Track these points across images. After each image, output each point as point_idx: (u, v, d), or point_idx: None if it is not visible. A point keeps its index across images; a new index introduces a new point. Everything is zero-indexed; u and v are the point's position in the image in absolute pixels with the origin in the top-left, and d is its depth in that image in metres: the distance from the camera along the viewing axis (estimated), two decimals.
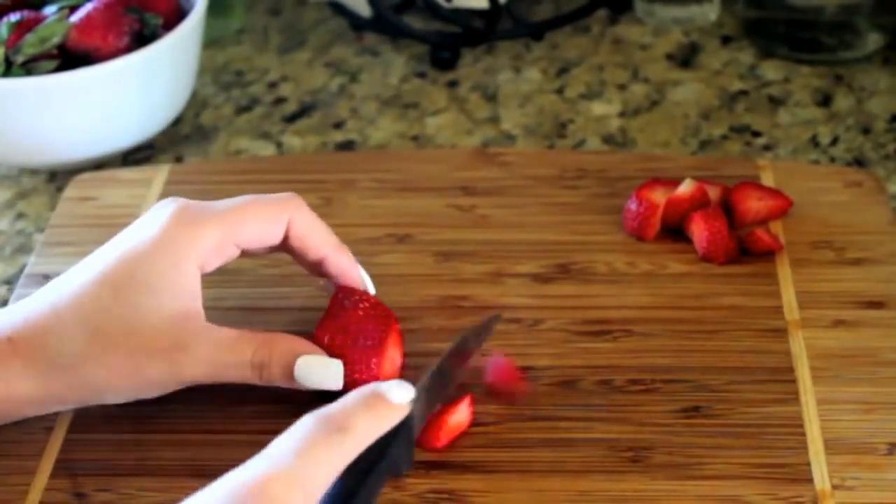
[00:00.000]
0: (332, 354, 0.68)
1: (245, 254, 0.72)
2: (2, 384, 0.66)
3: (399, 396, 0.60)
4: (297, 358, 0.67)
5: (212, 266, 0.69)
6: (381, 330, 0.69)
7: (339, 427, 0.57)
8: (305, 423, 0.57)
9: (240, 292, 0.78)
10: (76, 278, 0.67)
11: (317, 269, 0.73)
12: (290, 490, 0.54)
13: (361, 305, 0.70)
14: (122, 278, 0.66)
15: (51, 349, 0.66)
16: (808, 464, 0.66)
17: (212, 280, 0.75)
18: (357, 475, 0.58)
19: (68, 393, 0.67)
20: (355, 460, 0.58)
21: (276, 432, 0.68)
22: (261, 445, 0.66)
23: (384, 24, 1.06)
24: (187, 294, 0.67)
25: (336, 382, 0.67)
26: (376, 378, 0.68)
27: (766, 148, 0.95)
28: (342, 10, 1.08)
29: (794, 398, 0.70)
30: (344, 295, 0.71)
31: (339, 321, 0.69)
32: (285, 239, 0.71)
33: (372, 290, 0.73)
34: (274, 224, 0.70)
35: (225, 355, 0.67)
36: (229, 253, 0.70)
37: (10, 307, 0.68)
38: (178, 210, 0.68)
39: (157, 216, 0.68)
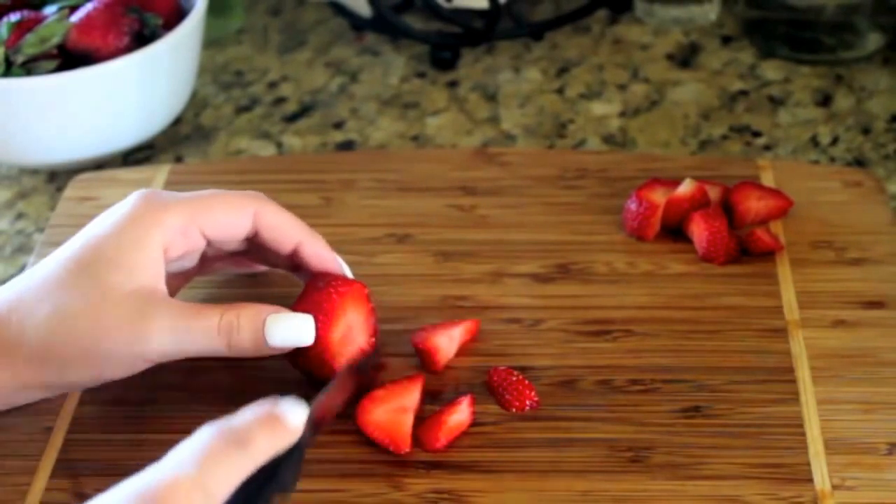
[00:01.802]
0: None
1: (215, 258, 0.73)
2: None
3: (294, 419, 0.59)
4: (265, 318, 0.67)
5: (177, 251, 0.69)
6: (342, 298, 0.69)
7: (238, 440, 0.57)
8: (206, 434, 0.57)
9: (237, 293, 0.78)
10: (41, 266, 0.68)
11: (292, 261, 0.72)
12: (191, 496, 0.54)
13: (333, 282, 0.70)
14: (84, 258, 0.67)
15: (12, 331, 0.66)
16: (808, 464, 0.66)
17: (204, 281, 0.75)
18: (248, 493, 0.57)
19: (31, 375, 0.67)
20: (247, 479, 0.57)
21: None
22: None
23: (384, 24, 1.06)
24: (150, 272, 0.67)
25: (308, 337, 0.67)
26: (324, 340, 0.68)
27: (766, 148, 0.95)
28: (342, 10, 1.08)
29: (794, 398, 0.70)
30: (318, 278, 0.71)
31: (309, 300, 0.69)
32: (257, 235, 0.71)
33: (349, 275, 0.73)
34: (240, 213, 0.70)
35: (190, 320, 0.66)
36: (194, 239, 0.70)
37: None
38: (145, 195, 0.69)
39: (123, 203, 0.69)
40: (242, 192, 0.71)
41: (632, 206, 0.81)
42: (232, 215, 0.70)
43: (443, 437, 0.68)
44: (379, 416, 0.68)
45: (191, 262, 0.73)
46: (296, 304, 0.70)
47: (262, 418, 0.58)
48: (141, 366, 0.67)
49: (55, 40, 0.89)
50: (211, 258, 0.75)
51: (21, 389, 0.68)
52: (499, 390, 0.70)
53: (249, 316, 0.67)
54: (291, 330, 0.67)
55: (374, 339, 0.71)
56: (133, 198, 0.69)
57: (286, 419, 0.59)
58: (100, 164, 0.95)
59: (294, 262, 0.73)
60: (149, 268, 0.67)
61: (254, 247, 0.73)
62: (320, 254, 0.72)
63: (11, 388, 0.67)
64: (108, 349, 0.66)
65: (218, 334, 0.66)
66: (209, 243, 0.71)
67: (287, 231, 0.71)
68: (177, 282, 0.74)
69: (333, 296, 0.69)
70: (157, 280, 0.67)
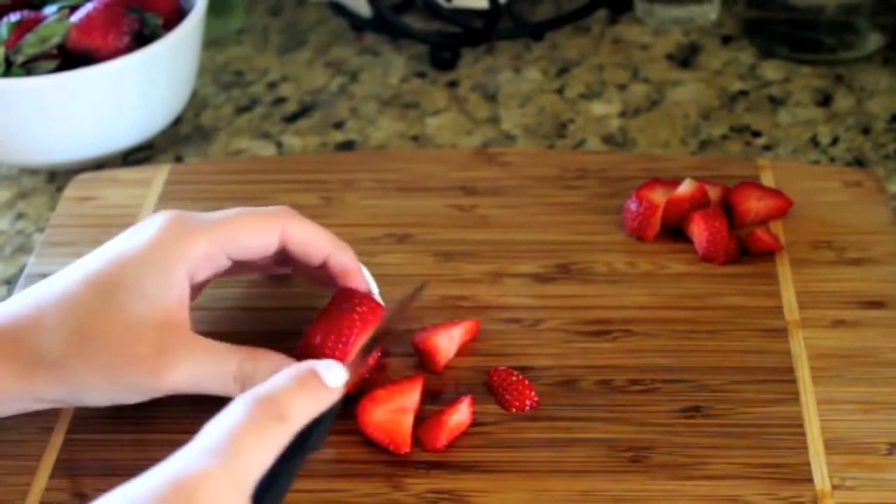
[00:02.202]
0: (319, 353, 0.68)
1: (242, 266, 0.72)
2: None
3: (334, 380, 0.60)
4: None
5: (202, 276, 0.69)
6: (364, 325, 0.69)
7: (277, 415, 0.56)
8: (240, 409, 0.56)
9: (240, 292, 0.78)
10: (63, 278, 0.67)
11: (319, 274, 0.72)
12: (224, 490, 0.53)
13: (358, 307, 0.70)
14: (109, 281, 0.66)
15: (31, 344, 0.65)
16: (808, 464, 0.66)
17: (231, 280, 0.75)
18: (281, 458, 0.56)
19: (47, 391, 0.66)
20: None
21: None
22: None
23: (384, 24, 1.06)
24: (174, 302, 0.66)
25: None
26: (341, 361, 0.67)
27: (766, 148, 0.95)
28: (342, 10, 1.08)
29: (794, 398, 0.70)
30: (343, 296, 0.70)
31: (331, 319, 0.69)
32: (285, 249, 0.71)
33: (375, 290, 0.73)
34: (266, 235, 0.70)
35: (207, 366, 0.66)
36: (220, 264, 0.69)
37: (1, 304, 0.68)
38: (170, 219, 0.68)
39: (149, 224, 0.68)
40: (269, 210, 0.70)
41: (632, 206, 0.81)
42: (259, 237, 0.69)
43: (443, 437, 0.68)
44: (379, 416, 0.68)
45: (215, 277, 0.72)
46: (318, 319, 0.70)
47: (300, 381, 0.58)
48: (151, 395, 0.67)
49: (55, 40, 0.89)
50: (237, 266, 0.74)
51: (34, 401, 0.67)
52: (499, 390, 0.70)
53: (267, 368, 0.66)
54: None
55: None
56: (160, 221, 0.68)
57: (326, 379, 0.59)
58: (100, 164, 0.95)
59: (321, 275, 0.72)
60: (173, 297, 0.66)
61: (282, 258, 0.73)
62: (348, 267, 0.71)
63: (27, 399, 0.67)
64: (125, 378, 0.65)
65: (234, 382, 0.66)
66: (235, 263, 0.71)
67: (316, 244, 0.71)
68: (201, 287, 0.73)
69: (357, 321, 0.69)
70: (180, 308, 0.67)
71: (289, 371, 0.59)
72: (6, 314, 0.67)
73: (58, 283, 0.67)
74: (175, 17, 0.95)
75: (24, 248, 0.88)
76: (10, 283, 0.85)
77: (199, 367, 0.66)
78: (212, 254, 0.68)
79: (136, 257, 0.66)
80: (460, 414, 0.69)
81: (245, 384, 0.66)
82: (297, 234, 0.70)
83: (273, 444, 0.56)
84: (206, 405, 0.70)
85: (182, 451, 0.55)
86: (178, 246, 0.67)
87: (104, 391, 0.66)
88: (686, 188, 0.81)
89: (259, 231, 0.69)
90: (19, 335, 0.66)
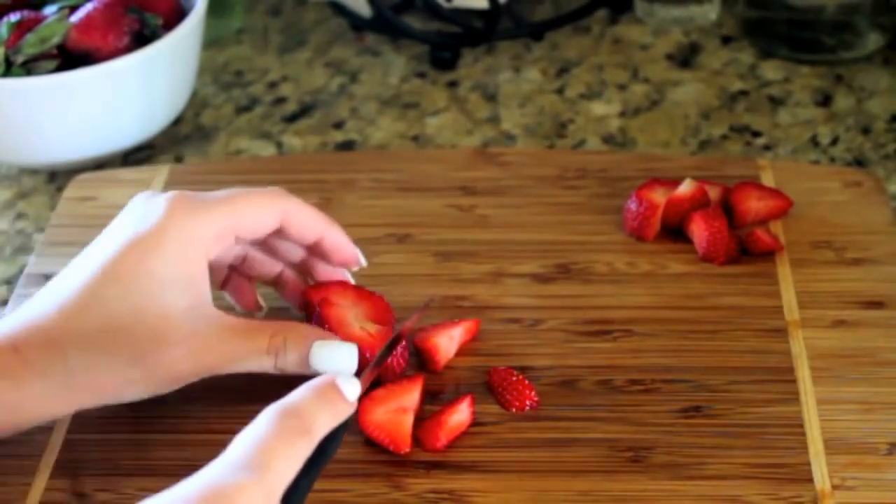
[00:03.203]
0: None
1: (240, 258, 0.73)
2: (15, 395, 0.64)
3: (352, 393, 0.62)
4: (311, 344, 0.67)
5: (211, 255, 0.69)
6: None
7: (304, 429, 0.58)
8: (269, 422, 0.58)
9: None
10: (78, 276, 0.66)
11: (307, 258, 0.74)
12: (253, 499, 0.55)
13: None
14: (129, 271, 0.65)
15: (62, 355, 0.64)
16: (808, 464, 0.66)
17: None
18: (303, 469, 0.58)
19: (86, 400, 0.66)
20: None
21: None
22: None
23: (384, 24, 1.06)
24: (198, 283, 0.67)
25: (351, 366, 0.67)
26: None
27: (766, 148, 0.95)
28: (342, 10, 1.08)
29: (794, 398, 0.70)
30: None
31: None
32: (282, 229, 0.71)
33: (364, 262, 0.74)
34: (269, 213, 0.70)
35: (240, 343, 0.67)
36: (227, 242, 0.70)
37: (13, 314, 0.67)
38: (177, 199, 0.67)
39: (155, 206, 0.67)
40: (267, 190, 0.71)
41: (632, 206, 0.81)
42: (262, 215, 0.70)
43: (443, 437, 0.68)
44: (379, 416, 0.68)
45: (220, 261, 0.73)
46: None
47: (321, 394, 0.60)
48: (191, 379, 0.67)
49: (55, 40, 0.89)
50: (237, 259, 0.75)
51: (63, 407, 0.66)
52: (499, 390, 0.70)
53: (296, 340, 0.67)
54: (336, 361, 0.67)
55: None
56: (166, 203, 0.67)
57: (344, 393, 0.61)
58: (100, 164, 0.95)
59: (308, 260, 0.74)
60: (196, 278, 0.66)
61: (268, 242, 0.73)
62: (340, 244, 0.73)
63: (69, 411, 0.67)
64: (165, 368, 0.65)
65: (266, 358, 0.67)
66: (236, 241, 0.71)
67: (311, 224, 0.72)
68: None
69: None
70: (206, 292, 0.67)
71: (311, 384, 0.61)
72: (29, 324, 0.65)
73: (74, 281, 0.66)
74: (175, 17, 0.94)
75: (24, 248, 0.88)
76: (10, 283, 0.85)
77: (231, 345, 0.67)
78: (222, 233, 0.68)
79: (152, 243, 0.66)
80: (460, 414, 0.68)
81: (278, 356, 0.67)
82: (297, 215, 0.71)
83: (299, 457, 0.58)
84: (205, 404, 0.70)
85: (214, 463, 0.56)
86: (192, 227, 0.67)
87: (145, 384, 0.66)
88: (686, 188, 0.81)
89: (263, 207, 0.70)
90: (47, 347, 0.64)
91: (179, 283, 0.66)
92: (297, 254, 0.74)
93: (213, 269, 0.71)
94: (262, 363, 0.67)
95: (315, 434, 0.59)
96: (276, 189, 0.71)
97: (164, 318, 0.65)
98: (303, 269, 0.75)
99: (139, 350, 0.65)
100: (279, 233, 0.72)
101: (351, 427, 0.66)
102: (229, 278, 0.75)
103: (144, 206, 0.67)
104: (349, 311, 0.71)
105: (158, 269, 0.65)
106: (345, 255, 0.73)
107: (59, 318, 0.65)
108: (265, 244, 0.74)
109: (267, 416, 0.58)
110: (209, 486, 0.54)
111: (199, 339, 0.66)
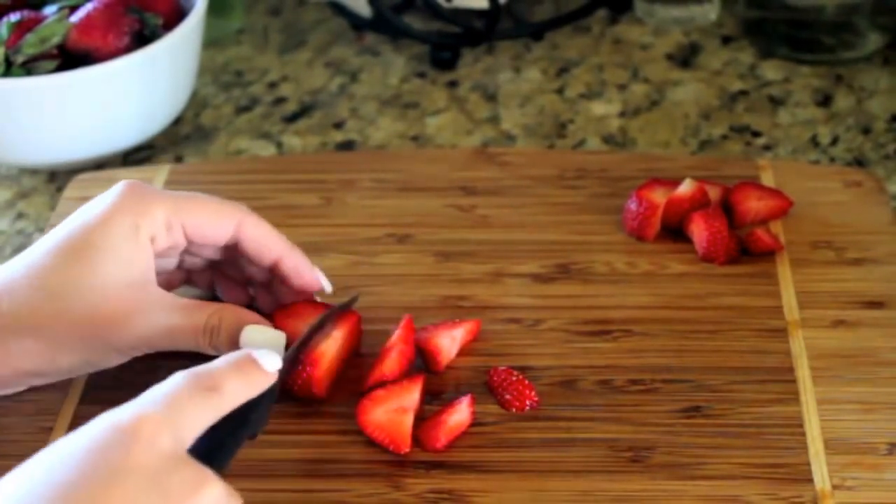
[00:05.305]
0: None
1: (193, 256, 0.74)
2: None
3: (270, 364, 0.63)
4: (244, 326, 0.68)
5: (161, 244, 0.70)
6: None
7: (209, 386, 0.59)
8: (176, 378, 0.59)
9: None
10: (32, 250, 0.69)
11: (268, 277, 0.74)
12: (159, 432, 0.56)
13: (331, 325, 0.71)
14: (76, 245, 0.68)
15: (6, 313, 0.66)
16: (808, 464, 0.66)
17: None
18: (219, 435, 0.60)
19: (21, 357, 0.67)
20: (219, 422, 0.60)
21: (275, 432, 0.68)
22: (260, 445, 0.66)
23: (384, 24, 1.06)
24: (142, 262, 0.68)
25: (277, 351, 0.68)
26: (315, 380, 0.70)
27: (766, 148, 0.95)
28: (342, 10, 1.08)
29: (794, 398, 0.70)
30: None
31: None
32: (238, 245, 0.72)
33: (328, 288, 0.74)
34: (223, 219, 0.71)
35: (178, 319, 0.68)
36: (177, 236, 0.71)
37: None
38: (129, 185, 0.70)
39: (110, 192, 0.70)
40: (226, 201, 0.72)
41: (632, 206, 0.81)
42: (215, 218, 0.71)
43: (443, 437, 0.68)
44: (379, 416, 0.68)
45: (170, 263, 0.74)
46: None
47: (235, 363, 0.62)
48: (128, 354, 0.69)
49: (55, 40, 0.89)
50: (188, 268, 0.75)
51: (12, 377, 0.68)
52: (499, 390, 0.70)
53: (231, 321, 0.69)
54: (263, 341, 0.68)
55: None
56: (118, 188, 0.70)
57: (262, 363, 0.62)
58: (100, 164, 0.95)
59: (270, 278, 0.74)
60: (140, 257, 0.68)
61: (230, 259, 0.74)
62: (299, 269, 0.73)
63: (4, 369, 0.68)
64: (101, 337, 0.67)
65: (202, 336, 0.68)
66: (190, 244, 0.72)
67: (268, 244, 0.72)
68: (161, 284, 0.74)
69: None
70: (149, 271, 0.69)
71: (228, 355, 0.63)
72: None
73: (22, 258, 0.69)
74: (175, 17, 0.95)
75: (24, 248, 0.88)
76: None
77: (170, 320, 0.68)
78: (171, 222, 0.70)
79: (100, 221, 0.68)
80: (460, 414, 0.68)
81: (213, 336, 0.68)
82: (252, 230, 0.72)
83: (207, 409, 0.59)
84: None
85: (117, 408, 0.57)
86: (139, 207, 0.69)
87: (80, 352, 0.68)
88: (686, 188, 0.81)
89: (216, 213, 0.71)
90: None
91: (122, 259, 0.68)
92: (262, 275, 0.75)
93: (170, 274, 0.74)
94: (197, 340, 0.69)
95: (224, 393, 0.60)
96: (237, 203, 0.72)
97: (104, 290, 0.67)
98: (270, 290, 0.75)
99: (77, 318, 0.67)
100: (237, 249, 0.72)
101: (351, 427, 0.66)
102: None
103: (105, 193, 0.70)
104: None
105: (102, 244, 0.68)
106: (305, 280, 0.73)
107: (4, 285, 0.67)
108: (233, 265, 0.74)
109: (177, 375, 0.60)
110: (111, 421, 0.56)
111: (139, 314, 0.67)
